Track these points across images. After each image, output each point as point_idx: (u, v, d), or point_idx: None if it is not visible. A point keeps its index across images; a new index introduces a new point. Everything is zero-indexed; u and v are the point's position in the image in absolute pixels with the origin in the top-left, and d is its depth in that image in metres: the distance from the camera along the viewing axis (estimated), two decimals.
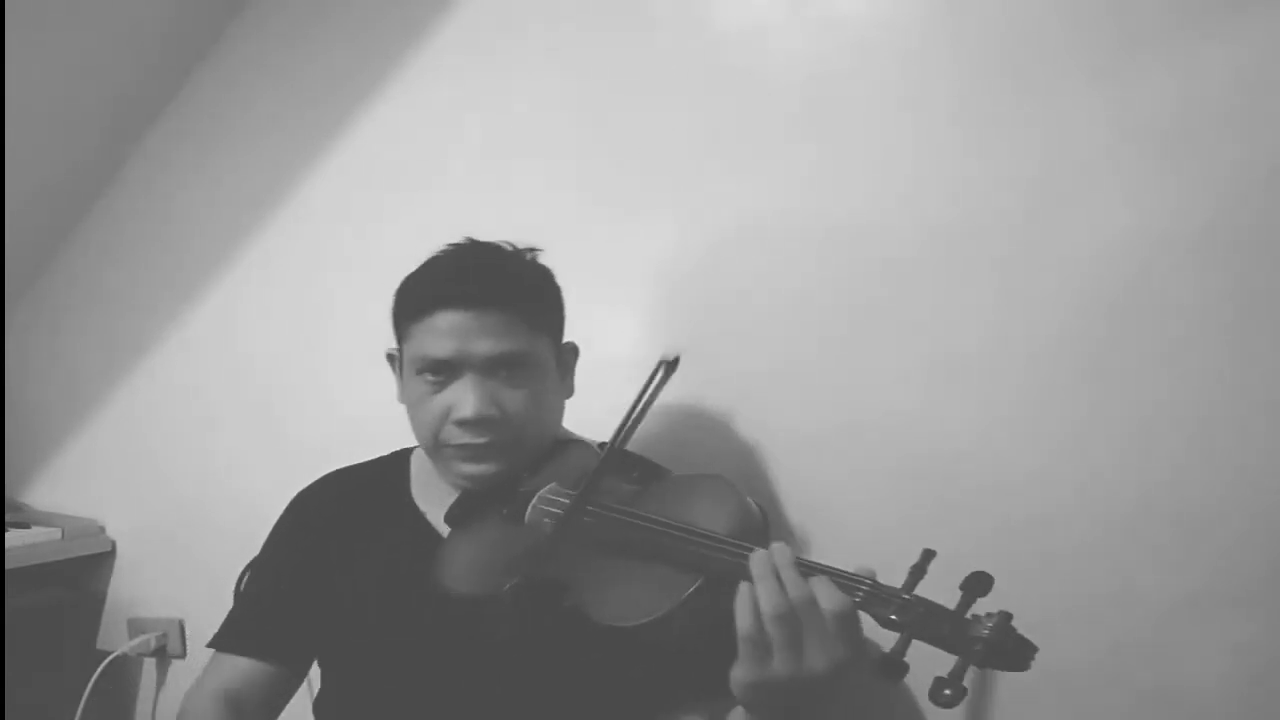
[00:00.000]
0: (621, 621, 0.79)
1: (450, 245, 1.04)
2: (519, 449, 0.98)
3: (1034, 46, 1.16)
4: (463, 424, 0.95)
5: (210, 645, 1.07)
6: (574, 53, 1.40)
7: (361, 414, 1.47)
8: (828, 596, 0.72)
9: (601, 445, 1.07)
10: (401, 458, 1.13)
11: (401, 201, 1.50)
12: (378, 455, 1.16)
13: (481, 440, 0.96)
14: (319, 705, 1.08)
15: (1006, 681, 1.14)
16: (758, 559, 0.75)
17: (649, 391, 0.89)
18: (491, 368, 0.96)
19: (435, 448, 0.99)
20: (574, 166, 1.39)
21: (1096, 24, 1.13)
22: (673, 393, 1.30)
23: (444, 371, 0.96)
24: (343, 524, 1.07)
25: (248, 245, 1.60)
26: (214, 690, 1.03)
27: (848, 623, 0.71)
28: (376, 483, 1.11)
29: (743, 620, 0.72)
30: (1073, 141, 1.14)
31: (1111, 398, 1.12)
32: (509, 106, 1.43)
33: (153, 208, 1.67)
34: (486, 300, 0.95)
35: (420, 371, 0.97)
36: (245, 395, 1.61)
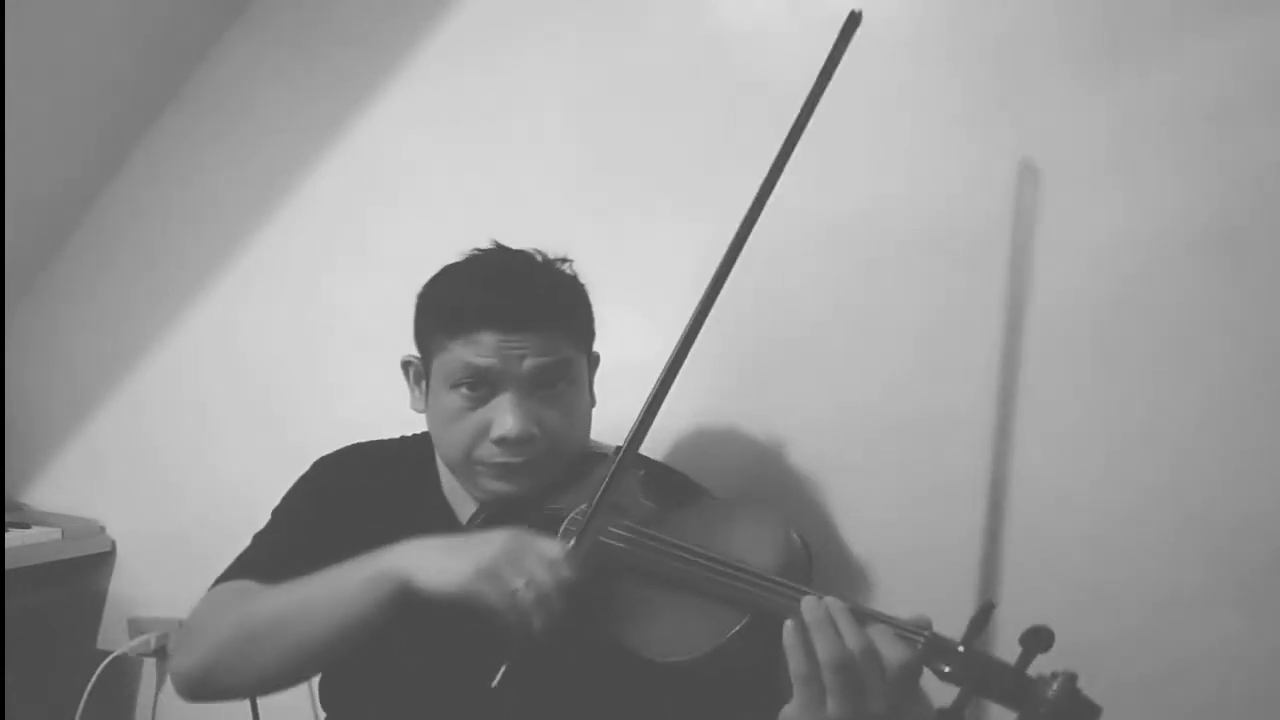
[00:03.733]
0: (661, 657, 0.78)
1: (480, 251, 1.01)
2: (553, 465, 0.97)
3: (1033, 46, 1.16)
4: (502, 442, 0.93)
5: (220, 579, 1.01)
6: (574, 53, 1.40)
7: (362, 414, 1.47)
8: (890, 648, 0.71)
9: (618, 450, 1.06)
10: (426, 440, 1.09)
11: (402, 203, 1.50)
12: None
13: (519, 459, 0.94)
14: (324, 689, 1.07)
15: None
16: (810, 605, 0.73)
17: (837, 50, 0.86)
18: (533, 385, 0.94)
19: (466, 464, 0.97)
20: (574, 167, 1.40)
21: (1095, 23, 1.14)
22: (676, 390, 1.31)
23: (482, 386, 0.94)
24: (367, 495, 1.04)
25: (248, 246, 1.60)
26: (223, 587, 0.98)
27: (909, 672, 0.70)
28: (404, 463, 1.08)
29: (796, 663, 0.71)
30: (1072, 141, 1.14)
31: (1111, 395, 1.12)
32: (509, 107, 1.43)
33: (153, 208, 1.67)
34: (531, 320, 0.93)
35: (456, 385, 0.94)
36: (245, 395, 1.61)
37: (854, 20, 0.84)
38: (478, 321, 0.93)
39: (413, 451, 1.11)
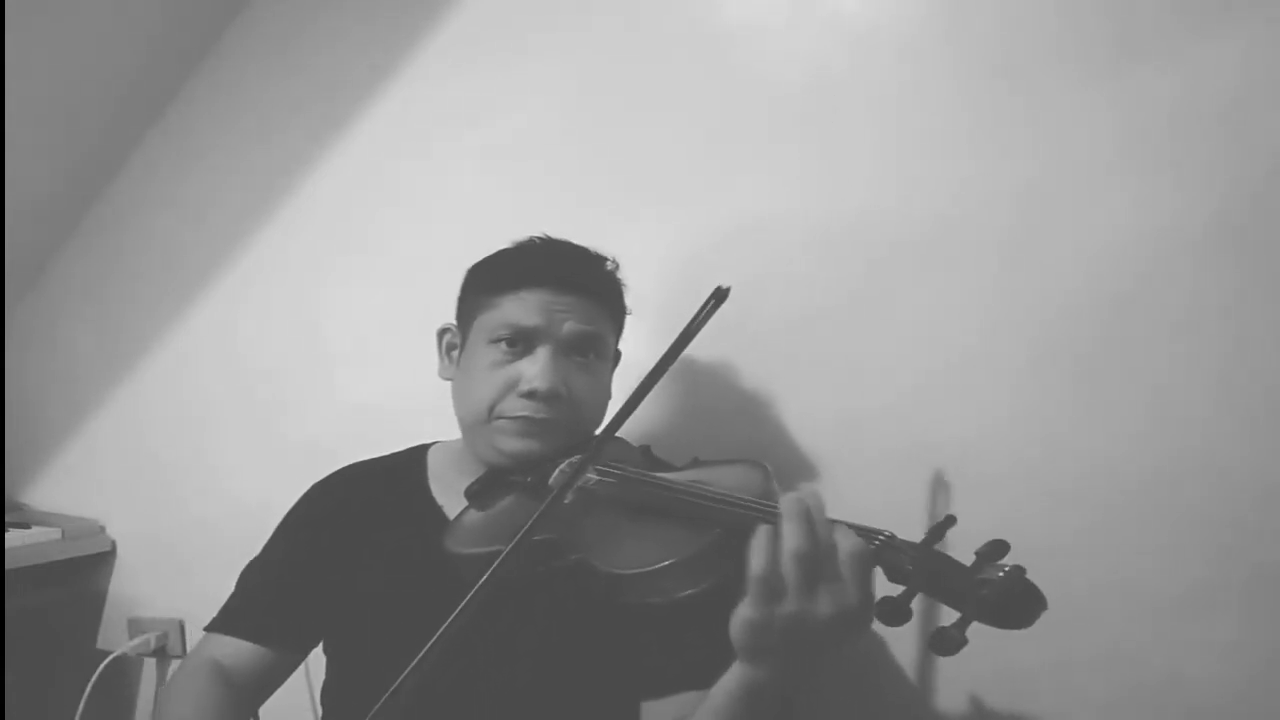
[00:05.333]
0: (624, 568, 0.78)
1: (532, 237, 1.07)
2: (568, 434, 1.00)
3: (1033, 46, 1.16)
4: (531, 395, 0.97)
5: (207, 629, 1.08)
6: (574, 52, 1.40)
7: (361, 413, 1.48)
8: (846, 538, 0.72)
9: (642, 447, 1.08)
10: (418, 453, 1.14)
11: (402, 203, 1.50)
12: (379, 454, 1.16)
13: (541, 415, 0.98)
14: (325, 693, 1.09)
15: (1004, 677, 1.14)
16: (790, 498, 0.74)
17: (697, 321, 0.87)
18: (568, 347, 1.00)
19: (486, 420, 1.00)
20: (574, 166, 1.40)
21: (1096, 23, 1.14)
22: (674, 388, 1.31)
23: (521, 342, 0.99)
24: (358, 516, 1.08)
25: (247, 245, 1.60)
26: (207, 659, 1.04)
27: (862, 567, 0.71)
28: (393, 476, 1.12)
29: (758, 559, 0.71)
30: (1073, 140, 1.14)
31: (1111, 395, 1.12)
32: (508, 107, 1.43)
33: (153, 208, 1.67)
34: (579, 286, 1.01)
35: (496, 340, 1.00)
36: (245, 395, 1.61)
37: (720, 295, 0.87)
38: (530, 279, 1.00)
39: (400, 461, 1.14)
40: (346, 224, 1.54)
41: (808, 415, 1.25)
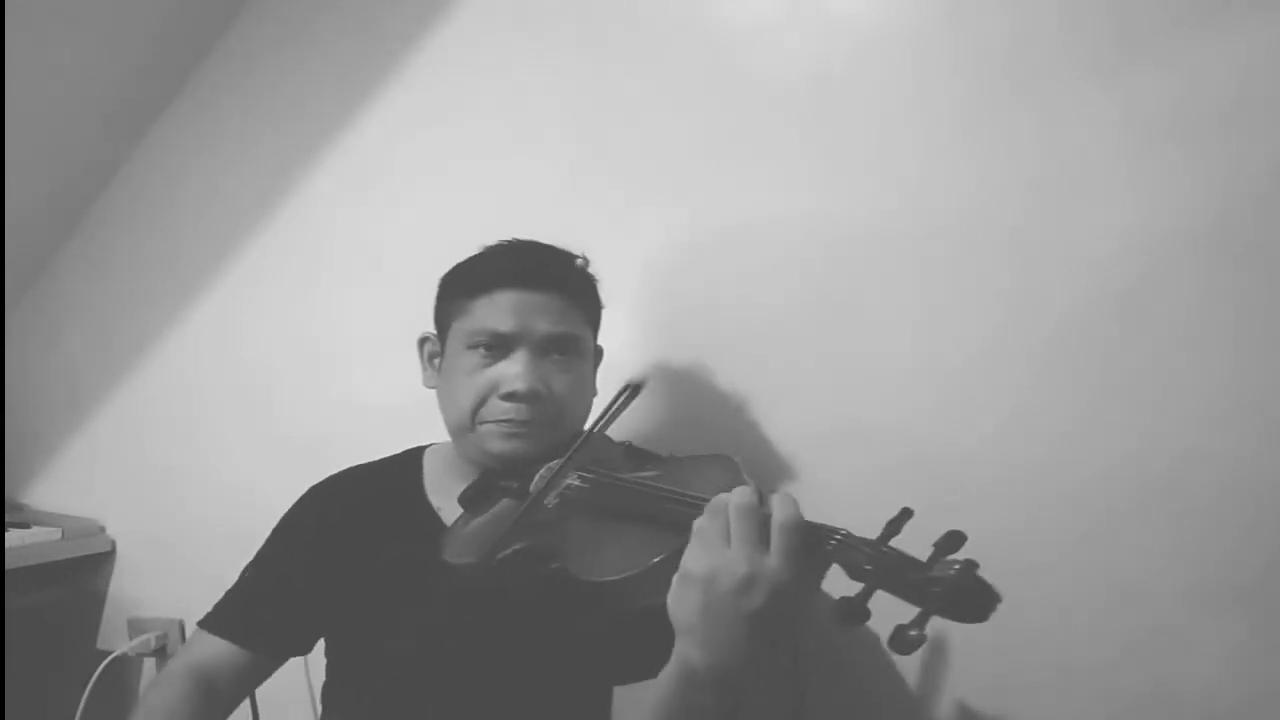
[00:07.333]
0: (601, 576, 0.79)
1: (503, 241, 1.07)
2: (553, 432, 1.00)
3: (1035, 46, 1.16)
4: (511, 397, 0.98)
5: (199, 624, 1.10)
6: (573, 53, 1.40)
7: (361, 413, 1.48)
8: (780, 505, 0.72)
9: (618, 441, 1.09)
10: (413, 456, 1.14)
11: (399, 202, 1.50)
12: (378, 453, 1.16)
13: (524, 417, 0.98)
14: (326, 692, 1.09)
15: (1005, 678, 1.14)
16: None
17: (610, 412, 0.90)
18: (545, 348, 1.00)
19: (471, 425, 1.01)
20: (573, 167, 1.39)
21: (1097, 23, 1.14)
22: (668, 393, 1.31)
23: (498, 347, 1.00)
24: (355, 520, 1.08)
25: (247, 245, 1.60)
26: (189, 662, 1.07)
27: (788, 535, 0.71)
28: (390, 480, 1.12)
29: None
30: (1075, 141, 1.14)
31: (1113, 397, 1.12)
32: (507, 107, 1.43)
33: (152, 208, 1.67)
34: (549, 284, 1.01)
35: (474, 345, 1.00)
36: (245, 395, 1.61)
37: (635, 389, 0.90)
38: (500, 280, 1.00)
39: (397, 466, 1.14)
40: (345, 225, 1.54)
41: (805, 420, 1.25)
